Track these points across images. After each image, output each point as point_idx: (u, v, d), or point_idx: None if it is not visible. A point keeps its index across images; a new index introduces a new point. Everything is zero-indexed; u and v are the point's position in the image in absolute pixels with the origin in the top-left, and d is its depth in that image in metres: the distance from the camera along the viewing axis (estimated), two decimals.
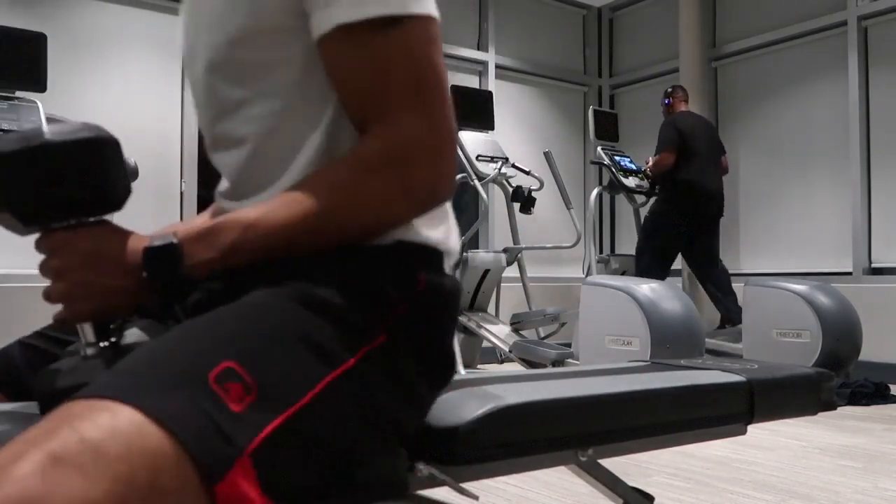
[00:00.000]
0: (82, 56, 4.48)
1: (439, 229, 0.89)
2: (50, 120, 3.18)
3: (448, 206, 0.94)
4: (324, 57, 0.80)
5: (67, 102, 4.18)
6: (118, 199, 0.75)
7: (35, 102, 3.29)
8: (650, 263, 4.91)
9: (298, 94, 0.84)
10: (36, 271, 0.75)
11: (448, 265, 0.91)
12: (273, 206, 0.77)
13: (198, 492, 0.60)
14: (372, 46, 0.77)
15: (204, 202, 4.68)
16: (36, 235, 0.75)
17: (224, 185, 0.96)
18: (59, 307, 0.75)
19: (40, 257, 0.76)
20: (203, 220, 1.08)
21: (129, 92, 4.55)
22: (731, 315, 4.77)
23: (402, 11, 0.77)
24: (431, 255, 0.87)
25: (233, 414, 0.63)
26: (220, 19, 0.84)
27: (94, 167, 0.72)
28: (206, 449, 0.60)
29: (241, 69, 0.84)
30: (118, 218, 0.77)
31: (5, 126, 3.09)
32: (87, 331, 0.75)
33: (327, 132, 0.84)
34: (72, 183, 0.71)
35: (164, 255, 0.73)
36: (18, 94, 3.28)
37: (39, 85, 3.31)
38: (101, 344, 0.75)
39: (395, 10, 0.77)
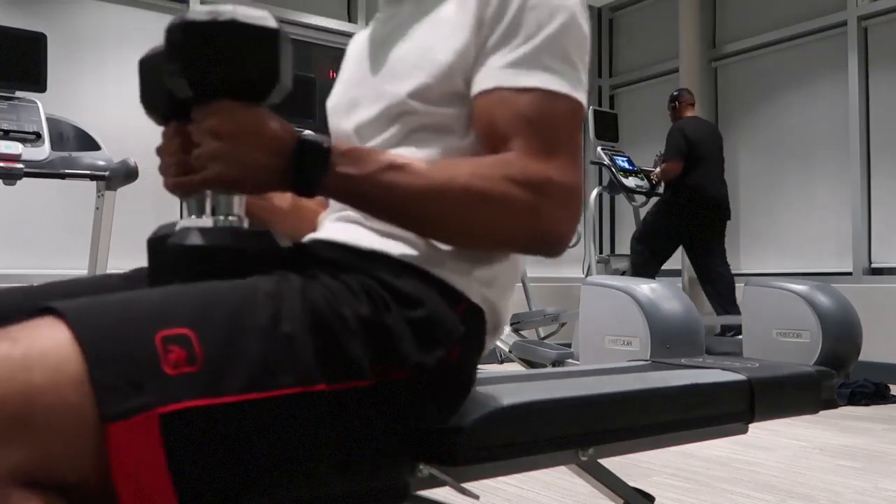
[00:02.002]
0: (82, 56, 4.47)
1: (503, 294, 0.93)
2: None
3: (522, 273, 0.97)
4: (477, 108, 0.85)
5: (67, 102, 4.17)
6: (281, 89, 0.79)
7: (35, 102, 3.28)
8: (646, 261, 5.00)
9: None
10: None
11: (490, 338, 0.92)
12: (420, 162, 0.80)
13: (89, 423, 0.60)
14: (522, 102, 0.82)
15: None
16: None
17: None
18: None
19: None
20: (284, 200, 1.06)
21: (129, 92, 4.54)
22: (729, 322, 4.76)
23: (558, 89, 0.83)
24: (481, 320, 0.88)
25: (160, 373, 0.63)
26: (403, 73, 0.89)
27: (269, 55, 0.77)
28: (110, 383, 0.61)
29: (412, 127, 0.88)
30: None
31: (5, 126, 3.09)
32: (205, 203, 0.79)
33: None
34: (246, 63, 0.76)
35: (315, 150, 0.77)
36: (18, 93, 3.27)
37: (39, 85, 3.31)
38: (215, 218, 0.79)
39: (552, 87, 0.83)
